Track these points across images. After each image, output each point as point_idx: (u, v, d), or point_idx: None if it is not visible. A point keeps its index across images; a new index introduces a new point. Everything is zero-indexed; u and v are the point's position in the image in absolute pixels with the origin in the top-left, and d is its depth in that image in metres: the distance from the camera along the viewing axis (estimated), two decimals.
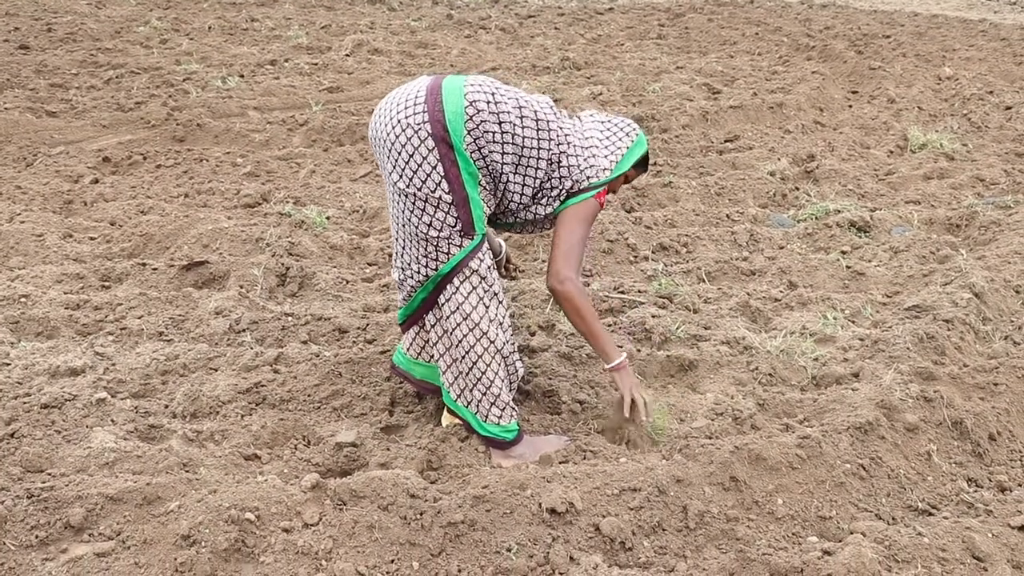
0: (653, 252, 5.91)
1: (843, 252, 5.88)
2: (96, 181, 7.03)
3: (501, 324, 3.67)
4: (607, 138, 3.73)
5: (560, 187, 3.60)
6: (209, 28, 12.57)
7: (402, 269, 3.70)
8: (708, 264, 5.66)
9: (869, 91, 10.44)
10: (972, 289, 4.91)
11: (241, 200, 6.60)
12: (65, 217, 6.35)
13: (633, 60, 11.62)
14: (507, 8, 15.63)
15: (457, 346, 3.63)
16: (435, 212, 3.46)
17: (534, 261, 5.73)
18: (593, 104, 9.13)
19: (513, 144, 3.49)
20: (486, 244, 3.61)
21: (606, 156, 3.66)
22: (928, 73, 11.03)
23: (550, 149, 3.56)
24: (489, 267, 3.59)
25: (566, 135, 3.62)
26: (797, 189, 7.12)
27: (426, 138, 3.40)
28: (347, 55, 11.41)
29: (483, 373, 3.62)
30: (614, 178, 3.68)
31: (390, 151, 3.48)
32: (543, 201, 3.64)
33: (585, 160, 3.61)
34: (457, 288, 3.56)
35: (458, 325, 3.59)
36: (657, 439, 3.83)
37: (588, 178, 3.60)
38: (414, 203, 3.48)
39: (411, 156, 3.42)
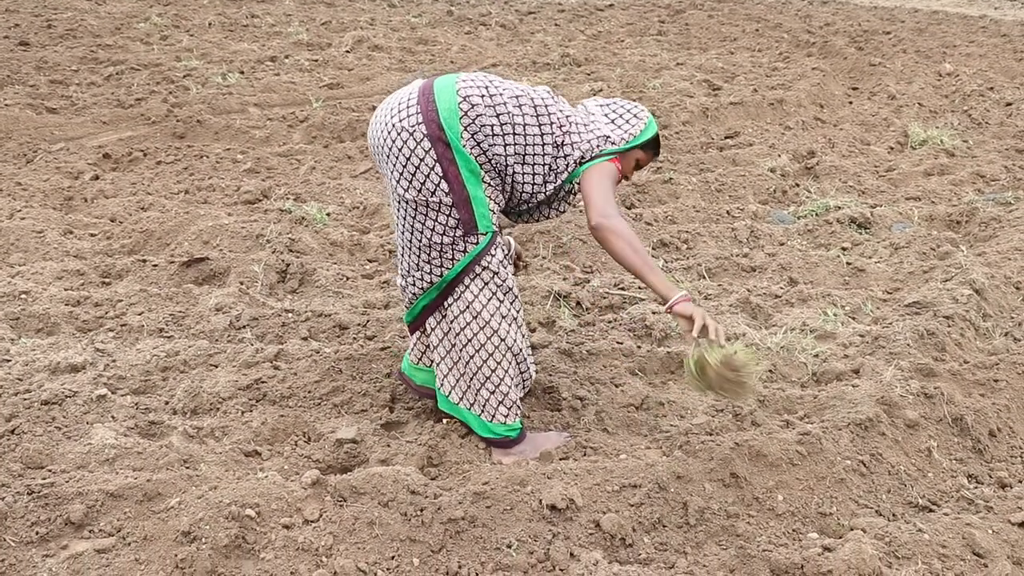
0: (654, 248, 5.91)
1: (843, 248, 5.88)
2: (96, 178, 7.03)
3: (515, 320, 3.63)
4: (613, 120, 3.66)
5: (568, 161, 3.51)
6: (209, 24, 12.57)
7: (403, 276, 3.69)
8: (708, 260, 5.65)
9: (869, 87, 10.43)
10: (972, 285, 4.91)
11: (241, 196, 6.60)
12: (65, 214, 6.35)
13: (633, 56, 11.61)
14: (507, 4, 15.62)
15: (465, 346, 3.61)
16: (436, 216, 3.44)
17: (535, 257, 5.73)
18: None
19: (515, 135, 3.45)
20: (499, 239, 3.58)
21: (613, 129, 3.58)
22: (928, 69, 11.02)
23: (552, 132, 3.50)
24: (501, 262, 3.56)
25: (567, 116, 3.56)
26: (797, 185, 7.11)
27: (422, 139, 3.38)
28: (347, 51, 11.41)
29: (492, 371, 3.61)
30: (627, 149, 3.56)
31: (388, 156, 3.46)
32: (551, 178, 3.55)
33: (590, 132, 3.55)
34: (467, 286, 3.54)
35: (467, 324, 3.57)
36: (748, 384, 3.39)
37: (598, 147, 3.50)
38: (416, 208, 3.46)
39: (408, 159, 3.40)
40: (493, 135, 3.42)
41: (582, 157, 3.52)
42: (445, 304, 3.61)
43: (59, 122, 8.19)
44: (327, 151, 7.85)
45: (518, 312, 3.67)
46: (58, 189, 6.69)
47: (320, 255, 5.70)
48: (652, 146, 3.70)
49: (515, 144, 3.46)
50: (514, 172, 3.50)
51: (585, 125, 3.57)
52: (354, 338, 4.64)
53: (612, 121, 3.65)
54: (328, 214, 6.27)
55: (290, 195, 6.65)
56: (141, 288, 5.05)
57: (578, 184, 3.56)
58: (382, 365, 4.29)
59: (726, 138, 8.38)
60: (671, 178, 7.05)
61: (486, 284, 3.54)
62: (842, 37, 12.77)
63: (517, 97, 3.48)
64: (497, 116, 3.42)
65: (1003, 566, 3.08)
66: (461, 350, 3.63)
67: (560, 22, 14.16)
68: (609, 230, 3.34)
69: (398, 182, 3.45)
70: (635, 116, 3.68)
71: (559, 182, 3.55)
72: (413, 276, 3.61)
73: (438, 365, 3.73)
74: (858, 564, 2.95)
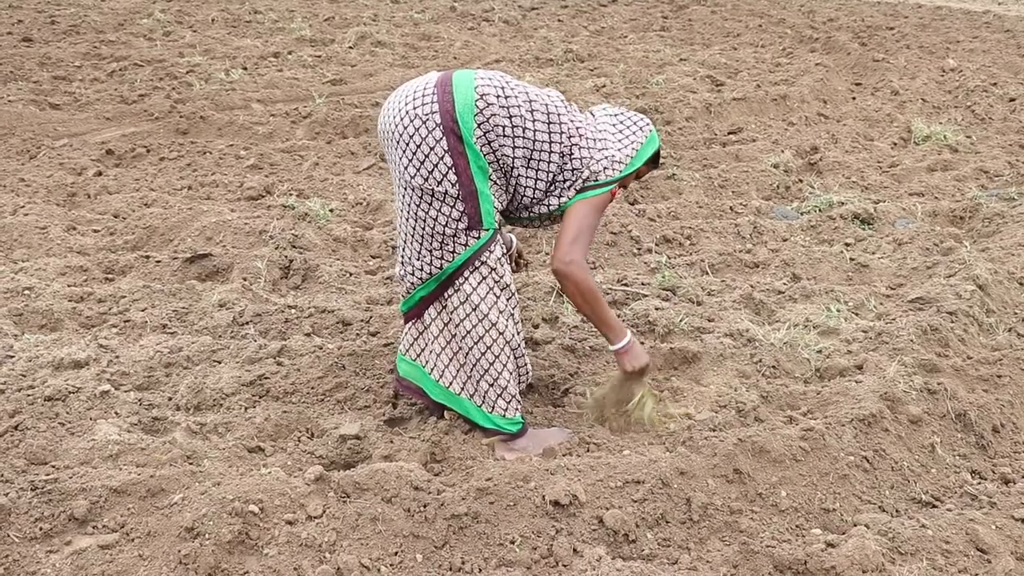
0: (656, 244, 5.91)
1: (847, 244, 5.87)
2: (100, 174, 7.03)
3: (512, 316, 3.66)
4: (620, 131, 3.71)
5: (573, 179, 3.59)
6: (212, 20, 12.57)
7: (403, 264, 3.70)
8: (711, 256, 5.65)
9: (873, 83, 10.41)
10: (976, 281, 4.90)
11: (244, 193, 6.60)
12: (69, 210, 6.35)
13: (636, 52, 11.60)
14: (510, 0, 15.61)
15: (464, 337, 3.62)
16: (441, 207, 3.46)
17: (538, 254, 5.73)
18: (596, 96, 9.11)
19: (524, 138, 3.49)
20: (497, 236, 3.60)
21: (619, 149, 3.64)
22: (932, 65, 11.00)
23: (561, 142, 3.56)
24: (499, 259, 3.58)
25: (577, 127, 3.61)
26: (801, 181, 7.10)
27: (434, 128, 3.40)
28: (350, 47, 11.40)
29: (491, 364, 3.62)
30: (627, 174, 3.67)
31: (399, 142, 3.47)
32: (555, 192, 3.63)
33: (598, 152, 3.60)
34: (466, 279, 3.56)
35: (467, 316, 3.59)
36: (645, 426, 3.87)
37: (604, 170, 3.59)
38: (421, 196, 3.47)
39: (418, 147, 3.42)
40: (504, 135, 3.45)
41: (588, 177, 3.58)
42: (445, 295, 3.62)
43: (62, 118, 8.19)
44: (330, 147, 7.85)
45: (514, 309, 3.69)
46: (61, 185, 6.70)
47: (323, 251, 5.70)
48: (653, 159, 3.78)
49: (523, 147, 3.50)
50: (519, 175, 3.54)
51: (594, 139, 3.63)
52: (357, 334, 4.64)
53: (618, 133, 3.69)
54: (331, 210, 6.27)
55: (293, 191, 6.65)
56: (144, 284, 5.05)
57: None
58: (385, 361, 4.29)
59: (729, 134, 8.37)
60: (674, 174, 7.04)
61: (484, 278, 3.56)
62: (845, 33, 12.75)
63: (531, 101, 3.52)
64: (510, 118, 3.46)
65: (1006, 562, 3.07)
66: (460, 341, 3.64)
67: (563, 18, 14.15)
68: (566, 276, 3.55)
69: (406, 168, 3.46)
70: (640, 129, 3.74)
71: (563, 200, 3.61)
72: (413, 265, 3.62)
73: (437, 356, 3.73)
74: (861, 560, 2.95)
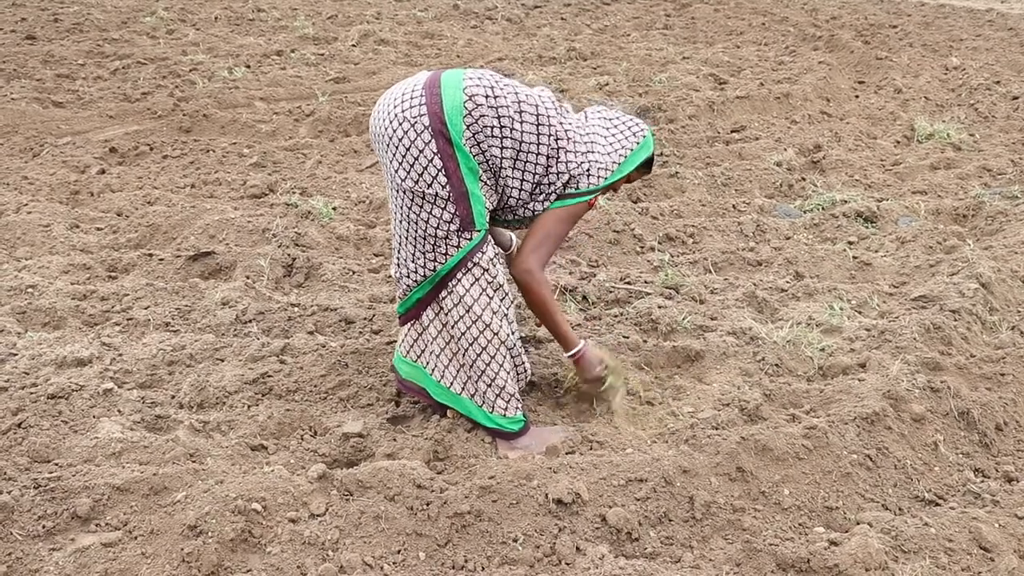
0: (659, 243, 5.91)
1: (850, 242, 5.87)
2: (103, 172, 7.03)
3: (505, 316, 3.67)
4: (611, 134, 3.70)
5: (557, 182, 3.59)
6: (215, 18, 12.56)
7: (398, 266, 3.70)
8: (714, 255, 5.65)
9: (876, 81, 10.41)
10: (979, 279, 4.90)
11: (247, 191, 6.60)
12: (72, 207, 6.35)
13: (639, 50, 11.59)
14: None
15: (460, 339, 3.62)
16: (432, 209, 3.45)
17: None
18: (599, 95, 9.10)
19: (511, 138, 3.48)
20: (489, 237, 3.60)
21: (608, 155, 3.64)
22: (935, 63, 10.99)
23: (548, 144, 3.54)
24: (492, 259, 3.58)
25: (566, 130, 3.60)
26: (804, 179, 7.10)
27: (422, 131, 3.39)
28: (353, 45, 11.39)
29: (487, 365, 3.62)
30: (613, 181, 3.67)
31: (388, 145, 3.47)
32: (540, 197, 3.63)
33: (584, 157, 3.60)
34: (459, 281, 3.56)
35: (460, 318, 3.59)
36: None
37: (588, 176, 3.59)
38: (412, 199, 3.47)
39: (408, 150, 3.41)
40: (492, 136, 3.45)
41: (569, 181, 3.58)
42: (440, 297, 3.62)
43: (65, 116, 8.19)
44: (333, 145, 7.85)
45: (508, 308, 3.70)
46: (64, 183, 6.70)
47: (326, 249, 5.70)
48: (645, 164, 3.77)
49: (511, 148, 3.50)
50: (506, 175, 3.54)
51: (583, 143, 3.62)
52: (360, 332, 4.64)
53: (609, 138, 3.68)
54: (334, 208, 6.27)
55: (296, 189, 6.65)
56: (147, 282, 5.06)
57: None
58: (388, 359, 4.29)
59: (732, 132, 8.36)
60: (677, 172, 7.04)
61: (477, 280, 3.56)
62: (848, 31, 12.73)
63: (520, 102, 3.51)
64: (498, 118, 3.45)
65: (1009, 560, 3.07)
66: (457, 342, 3.65)
67: (566, 16, 14.13)
68: (522, 285, 3.65)
69: (396, 171, 3.46)
70: (633, 134, 3.73)
71: (547, 205, 3.61)
72: (407, 268, 3.62)
73: (437, 356, 3.73)
74: (864, 558, 2.95)
